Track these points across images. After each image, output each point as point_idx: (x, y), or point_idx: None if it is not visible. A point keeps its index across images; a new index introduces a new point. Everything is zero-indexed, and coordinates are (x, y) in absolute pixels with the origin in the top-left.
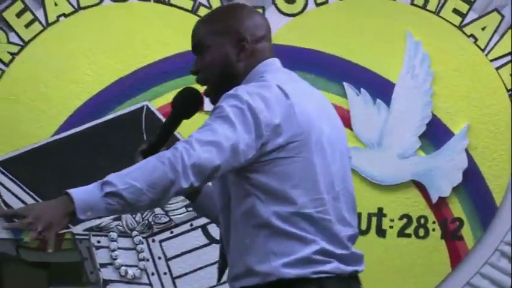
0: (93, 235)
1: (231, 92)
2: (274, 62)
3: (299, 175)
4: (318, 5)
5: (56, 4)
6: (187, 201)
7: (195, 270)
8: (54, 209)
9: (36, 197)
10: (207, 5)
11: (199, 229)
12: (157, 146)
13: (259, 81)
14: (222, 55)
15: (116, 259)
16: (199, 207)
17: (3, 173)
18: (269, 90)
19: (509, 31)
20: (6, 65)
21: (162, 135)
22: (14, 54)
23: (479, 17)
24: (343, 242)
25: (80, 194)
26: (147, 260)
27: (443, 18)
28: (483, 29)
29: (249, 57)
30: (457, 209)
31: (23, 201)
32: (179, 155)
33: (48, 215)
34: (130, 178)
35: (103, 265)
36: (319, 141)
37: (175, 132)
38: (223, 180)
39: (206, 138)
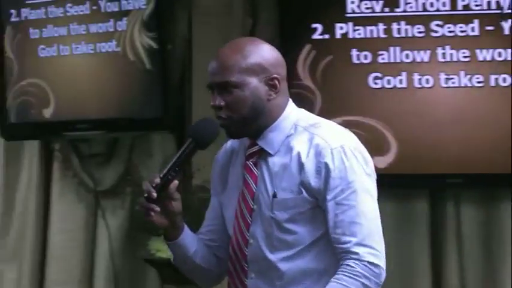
0: None
1: (356, 152)
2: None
3: None
4: None
5: None
6: None
7: None
8: None
9: None
10: None
11: None
12: (171, 178)
13: (325, 127)
14: (253, 94)
15: None
16: (178, 246)
17: None
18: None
19: None
20: None
21: (177, 166)
22: None
23: None
24: None
25: None
26: None
27: None
28: None
29: (277, 96)
30: None
31: None
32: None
33: None
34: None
35: None
36: None
37: None
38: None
39: (380, 247)
